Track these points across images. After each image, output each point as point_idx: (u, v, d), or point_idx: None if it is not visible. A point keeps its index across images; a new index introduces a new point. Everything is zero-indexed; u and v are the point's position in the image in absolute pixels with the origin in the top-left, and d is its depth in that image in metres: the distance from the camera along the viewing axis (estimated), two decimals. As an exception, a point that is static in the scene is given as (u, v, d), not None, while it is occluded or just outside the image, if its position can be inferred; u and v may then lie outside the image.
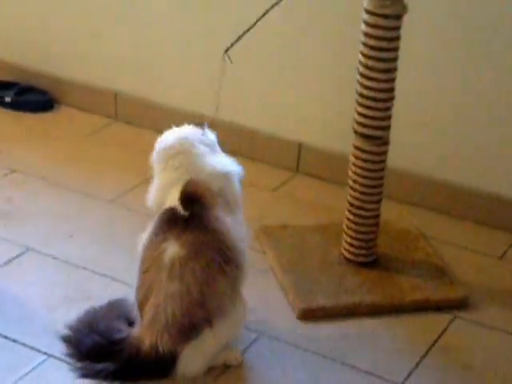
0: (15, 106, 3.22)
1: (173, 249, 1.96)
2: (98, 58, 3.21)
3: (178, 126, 2.05)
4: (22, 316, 2.22)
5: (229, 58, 2.23)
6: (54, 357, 2.09)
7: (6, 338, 2.14)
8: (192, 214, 1.96)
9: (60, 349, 2.07)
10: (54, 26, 3.25)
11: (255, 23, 2.25)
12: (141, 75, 3.15)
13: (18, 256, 2.44)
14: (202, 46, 2.96)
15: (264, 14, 2.25)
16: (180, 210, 1.96)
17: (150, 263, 1.99)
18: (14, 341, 2.14)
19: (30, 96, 3.27)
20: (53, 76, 3.28)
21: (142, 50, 3.12)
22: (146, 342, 1.97)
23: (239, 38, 2.25)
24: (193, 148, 2.04)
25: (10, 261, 2.42)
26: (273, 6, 2.25)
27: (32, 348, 2.12)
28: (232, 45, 2.26)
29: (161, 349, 1.95)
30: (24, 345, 2.13)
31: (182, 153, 2.03)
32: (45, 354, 2.10)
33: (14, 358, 2.09)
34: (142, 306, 2.00)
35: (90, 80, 3.23)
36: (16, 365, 2.07)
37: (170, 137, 2.07)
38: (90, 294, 2.30)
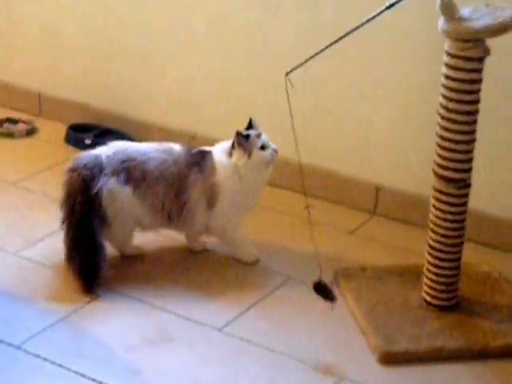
0: (95, 148, 3.27)
1: None
2: (177, 102, 3.26)
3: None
4: (102, 356, 2.25)
5: (290, 81, 2.26)
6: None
7: (84, 376, 2.17)
8: None
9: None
10: (137, 73, 3.32)
11: (321, 51, 2.27)
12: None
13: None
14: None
15: (332, 44, 2.27)
16: None
17: None
18: (93, 380, 2.17)
19: (109, 138, 3.30)
20: (132, 119, 3.35)
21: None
22: None
23: (302, 63, 2.27)
24: None
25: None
26: (343, 37, 2.27)
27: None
28: (293, 69, 2.28)
29: None
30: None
31: None
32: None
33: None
34: None
35: (169, 122, 3.28)
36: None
37: None
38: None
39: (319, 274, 2.44)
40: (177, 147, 2.62)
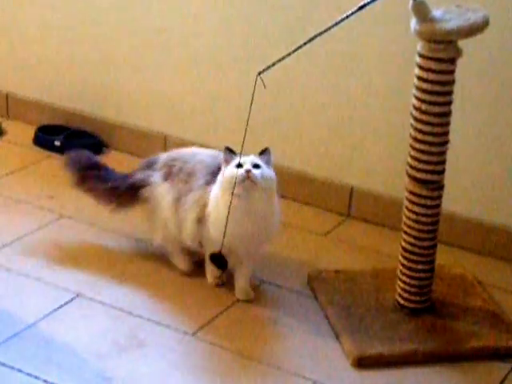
0: (64, 149, 3.24)
1: None
2: (146, 103, 3.23)
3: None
4: (72, 363, 2.21)
5: (262, 81, 2.24)
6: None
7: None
8: None
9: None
10: (107, 74, 3.28)
11: (294, 51, 2.26)
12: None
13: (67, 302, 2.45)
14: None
15: (302, 45, 2.26)
16: None
17: None
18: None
19: (79, 140, 3.29)
20: (102, 120, 3.31)
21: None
22: None
23: (274, 63, 2.26)
24: None
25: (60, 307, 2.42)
26: (314, 37, 2.25)
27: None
28: (266, 68, 2.26)
29: None
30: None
31: None
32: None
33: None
34: None
35: (140, 124, 3.25)
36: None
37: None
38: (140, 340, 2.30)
39: (220, 247, 2.41)
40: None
